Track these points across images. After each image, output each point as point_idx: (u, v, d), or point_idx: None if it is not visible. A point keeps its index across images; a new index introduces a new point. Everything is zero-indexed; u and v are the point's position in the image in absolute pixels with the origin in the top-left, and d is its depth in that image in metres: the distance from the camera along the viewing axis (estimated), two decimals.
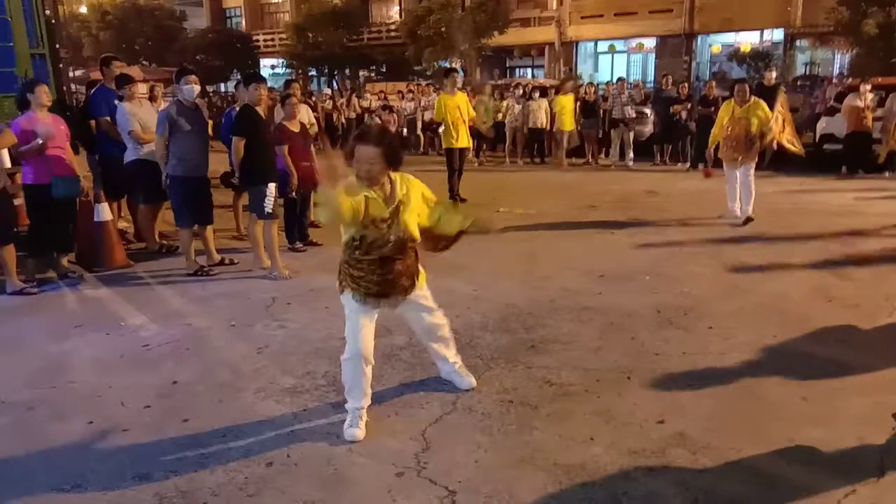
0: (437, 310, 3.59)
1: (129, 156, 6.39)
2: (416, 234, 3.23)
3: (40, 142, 5.58)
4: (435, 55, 24.69)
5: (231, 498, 2.81)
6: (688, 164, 12.62)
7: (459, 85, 9.75)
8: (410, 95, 17.42)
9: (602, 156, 14.05)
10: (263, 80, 6.21)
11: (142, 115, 6.31)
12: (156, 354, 4.36)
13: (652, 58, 28.91)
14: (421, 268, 3.43)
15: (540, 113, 13.86)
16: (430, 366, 4.03)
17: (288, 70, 31.35)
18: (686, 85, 13.62)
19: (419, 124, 16.34)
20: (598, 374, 3.87)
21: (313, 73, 32.39)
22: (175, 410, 3.58)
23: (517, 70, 32.83)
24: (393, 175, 3.16)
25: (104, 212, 6.30)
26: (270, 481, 2.93)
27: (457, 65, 21.99)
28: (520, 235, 7.45)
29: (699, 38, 27.71)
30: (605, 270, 5.96)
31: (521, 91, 14.85)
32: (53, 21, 7.33)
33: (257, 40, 34.78)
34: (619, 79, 14.99)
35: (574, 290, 5.44)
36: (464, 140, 9.33)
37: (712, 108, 11.15)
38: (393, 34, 29.55)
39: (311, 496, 2.81)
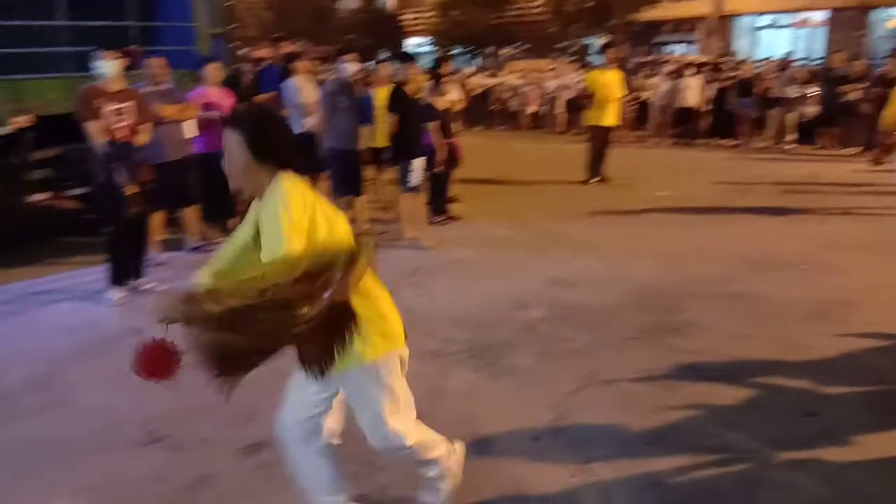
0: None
1: (293, 129, 6.90)
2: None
3: (218, 114, 6.16)
4: (581, 31, 24.16)
5: None
6: (859, 149, 11.57)
7: (615, 61, 9.52)
8: (553, 73, 17.22)
9: (758, 137, 13.21)
10: (413, 59, 6.47)
11: (307, 91, 6.79)
12: None
13: (817, 33, 26.54)
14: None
15: (692, 91, 13.24)
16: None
17: (433, 48, 31.94)
18: (861, 62, 12.43)
19: (560, 103, 16.14)
20: (744, 362, 3.77)
21: (457, 50, 32.78)
22: None
23: (665, 46, 31.37)
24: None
25: None
26: None
27: (605, 41, 21.37)
28: (663, 218, 7.26)
29: (874, 12, 25.05)
30: (755, 258, 5.70)
31: (671, 68, 14.26)
32: (228, 3, 8.03)
33: (404, 19, 35.69)
34: (785, 55, 13.95)
35: (720, 276, 5.26)
36: (611, 118, 9.14)
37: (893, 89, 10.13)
38: (537, 11, 29.22)
39: None
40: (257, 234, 2.06)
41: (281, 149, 2.08)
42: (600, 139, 9.12)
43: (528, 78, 17.55)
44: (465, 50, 31.74)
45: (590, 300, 4.76)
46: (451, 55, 13.16)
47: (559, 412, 3.27)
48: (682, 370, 3.68)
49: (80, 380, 3.74)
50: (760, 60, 17.75)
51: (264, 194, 2.05)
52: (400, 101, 6.04)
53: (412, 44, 35.80)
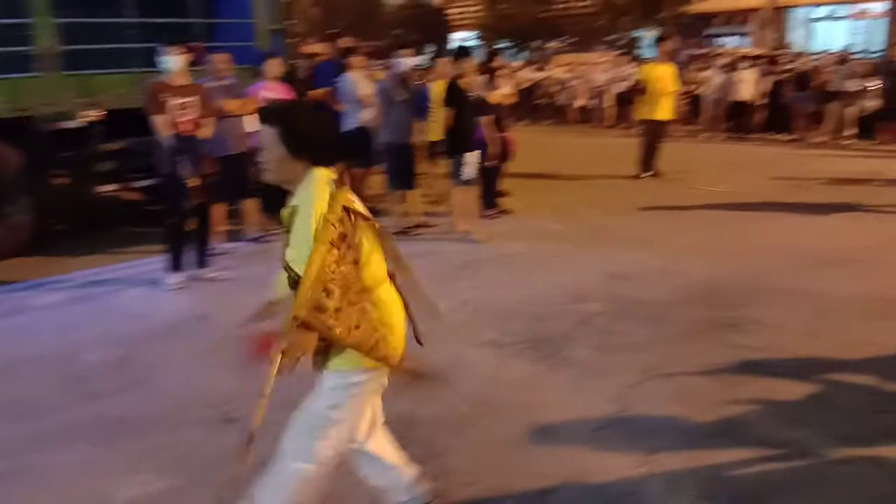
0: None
1: (348, 123, 7.02)
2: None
3: None
4: (631, 23, 23.86)
5: (445, 432, 3.12)
6: None
7: (669, 54, 9.40)
8: (603, 66, 17.06)
9: (815, 132, 12.87)
10: (470, 54, 6.52)
11: (362, 85, 6.89)
12: None
13: (877, 25, 25.63)
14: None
15: (746, 85, 12.97)
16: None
17: (480, 43, 31.92)
18: None
19: (609, 96, 15.98)
20: (807, 359, 3.72)
21: (503, 45, 32.70)
22: None
23: (717, 38, 30.70)
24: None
25: None
26: (477, 422, 3.20)
27: (654, 34, 21.05)
28: (717, 213, 7.16)
29: None
30: (812, 254, 5.59)
31: (724, 61, 13.98)
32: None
33: (450, 14, 35.72)
34: (844, 47, 13.55)
35: (777, 272, 5.18)
36: (665, 112, 9.02)
37: None
38: (584, 4, 28.95)
39: (511, 436, 3.05)
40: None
41: (315, 143, 2.08)
42: (654, 133, 9.01)
43: (575, 72, 17.41)
44: (512, 44, 31.63)
45: (646, 295, 4.75)
46: (499, 49, 13.08)
47: (621, 404, 3.29)
48: (744, 366, 3.65)
49: (154, 362, 3.91)
50: (818, 53, 17.26)
51: (298, 188, 2.08)
52: (456, 95, 6.09)
53: (458, 38, 35.83)
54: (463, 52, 6.40)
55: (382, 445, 2.40)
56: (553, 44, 30.26)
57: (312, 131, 2.10)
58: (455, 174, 6.32)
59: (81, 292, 5.07)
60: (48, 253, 6.06)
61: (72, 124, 6.15)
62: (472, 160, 6.23)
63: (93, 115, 6.20)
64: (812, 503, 2.59)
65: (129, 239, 6.45)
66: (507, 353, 3.92)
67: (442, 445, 3.00)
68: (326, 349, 2.05)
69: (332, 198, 2.02)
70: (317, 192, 2.02)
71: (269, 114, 2.14)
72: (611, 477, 2.73)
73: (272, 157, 2.09)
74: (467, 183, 6.31)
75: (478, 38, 32.90)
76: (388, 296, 2.19)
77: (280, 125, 2.07)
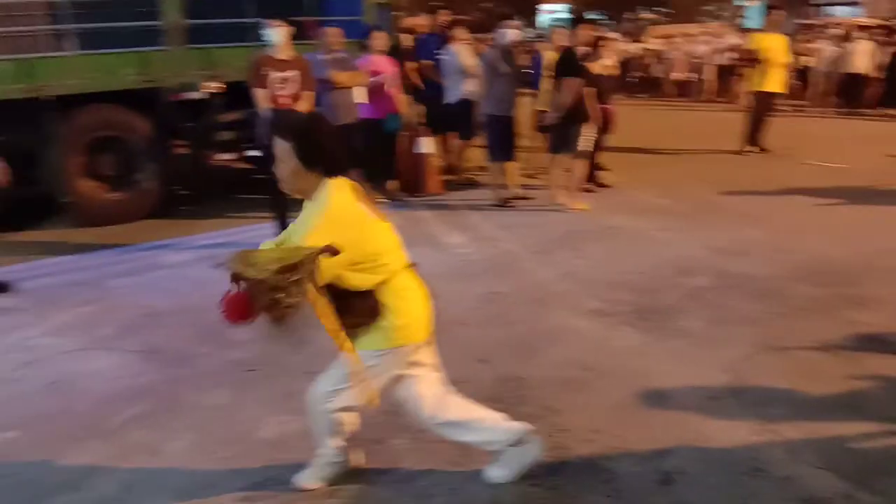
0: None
1: (451, 95, 7.14)
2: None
3: (381, 81, 6.50)
4: None
5: (558, 392, 3.22)
6: None
7: (777, 24, 8.98)
8: (702, 38, 16.43)
9: None
10: (584, 22, 6.49)
11: (465, 58, 6.98)
12: (476, 268, 4.99)
13: None
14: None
15: (860, 57, 12.22)
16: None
17: (571, 16, 31.24)
18: None
19: (709, 69, 15.40)
20: None
21: (593, 16, 31.86)
22: (500, 314, 4.14)
23: (826, 7, 28.82)
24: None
25: (425, 145, 7.16)
26: (588, 384, 3.29)
27: (760, 3, 20.05)
28: (828, 190, 6.85)
29: None
30: None
31: (837, 32, 13.20)
32: None
33: None
34: None
35: None
36: (776, 84, 8.63)
37: None
38: None
39: (623, 400, 3.12)
40: None
41: (328, 156, 2.19)
42: (762, 106, 8.64)
43: (672, 43, 16.86)
44: (605, 16, 30.80)
45: (756, 270, 4.66)
46: (596, 20, 12.86)
47: (735, 375, 3.29)
48: (864, 342, 3.57)
49: None
50: None
51: (313, 197, 2.21)
52: (573, 64, 6.06)
53: (548, 10, 35.16)
54: (580, 20, 6.35)
55: (461, 408, 2.52)
56: (648, 15, 29.29)
57: (324, 144, 2.21)
58: (563, 146, 6.30)
59: (207, 252, 5.43)
60: (172, 216, 6.52)
61: (194, 96, 6.55)
62: (584, 132, 6.20)
63: (213, 86, 6.57)
64: None
65: (242, 205, 6.82)
66: (614, 322, 3.96)
67: (554, 405, 3.11)
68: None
69: (349, 200, 2.19)
70: (330, 196, 2.17)
71: (282, 129, 2.25)
72: (728, 443, 2.76)
73: (287, 170, 2.21)
74: (576, 155, 6.29)
75: (568, 10, 32.18)
76: (404, 284, 2.32)
77: (293, 140, 2.18)
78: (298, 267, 2.03)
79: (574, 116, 6.12)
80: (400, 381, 2.44)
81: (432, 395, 2.49)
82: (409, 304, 2.32)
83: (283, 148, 2.19)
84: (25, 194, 5.99)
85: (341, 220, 2.15)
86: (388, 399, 2.49)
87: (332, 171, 2.21)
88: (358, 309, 2.25)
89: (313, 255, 2.05)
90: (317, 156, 2.18)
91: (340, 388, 2.38)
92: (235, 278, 2.12)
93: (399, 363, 2.38)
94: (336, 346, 2.30)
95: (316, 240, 2.08)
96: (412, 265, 2.40)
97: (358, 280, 2.23)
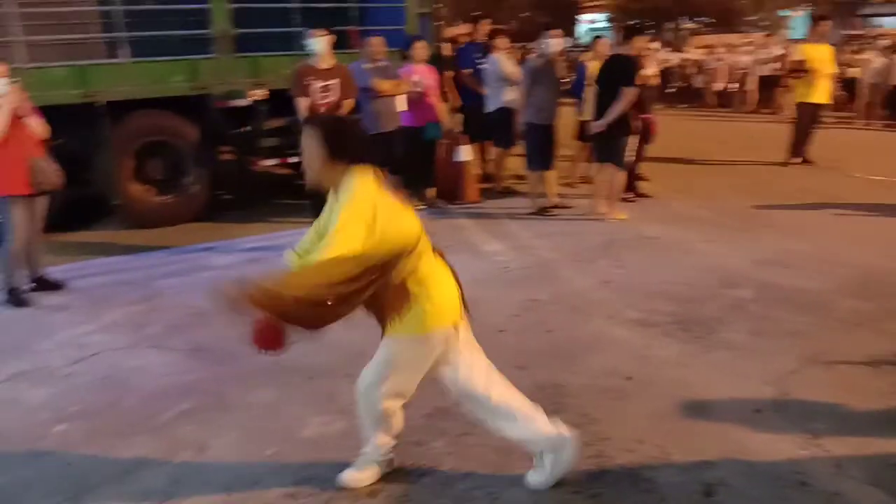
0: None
1: (491, 104, 7.18)
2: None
3: (419, 89, 6.58)
4: (777, 3, 22.42)
5: (598, 401, 3.22)
6: None
7: (823, 35, 8.83)
8: (745, 48, 16.21)
9: None
10: (640, 33, 6.51)
11: (507, 67, 7.02)
12: (514, 276, 5.00)
13: None
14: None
15: None
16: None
17: (609, 25, 31.10)
18: None
19: (752, 79, 15.17)
20: None
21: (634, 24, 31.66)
22: (539, 322, 4.14)
23: (874, 18, 28.16)
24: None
25: (464, 153, 7.20)
26: (628, 394, 3.28)
27: (804, 13, 19.74)
28: (875, 204, 6.70)
29: None
30: None
31: (886, 43, 12.91)
32: None
33: None
34: None
35: None
36: (822, 95, 8.48)
37: None
38: None
39: (664, 410, 3.10)
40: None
41: (353, 146, 2.26)
42: (808, 117, 8.49)
43: (714, 53, 16.67)
44: (645, 25, 30.59)
45: (802, 283, 4.59)
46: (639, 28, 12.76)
47: (781, 388, 3.24)
48: None
49: None
50: None
51: (340, 188, 2.26)
52: (628, 73, 5.98)
53: (588, 20, 35.10)
54: (634, 30, 6.37)
55: (506, 387, 2.54)
56: (689, 24, 29.01)
57: (350, 135, 2.29)
58: (609, 156, 6.26)
59: (253, 255, 5.56)
60: (218, 220, 6.67)
61: (241, 103, 6.71)
62: (629, 142, 6.19)
63: (259, 94, 6.72)
64: None
65: (285, 210, 6.95)
66: (655, 333, 3.94)
67: (594, 414, 3.10)
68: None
69: (373, 189, 2.23)
70: (358, 186, 2.21)
71: (310, 120, 2.35)
72: (772, 456, 2.73)
73: (313, 159, 2.28)
74: (620, 165, 6.26)
75: (608, 19, 32.05)
76: (433, 268, 2.35)
77: (320, 129, 2.27)
78: (371, 272, 2.18)
79: (621, 127, 6.10)
80: (444, 364, 2.45)
81: (479, 368, 2.49)
82: (440, 288, 2.35)
83: (310, 137, 2.27)
84: (78, 196, 6.21)
85: (370, 207, 2.18)
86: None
87: (356, 161, 2.26)
88: (390, 296, 2.29)
89: (393, 259, 2.19)
90: (342, 146, 2.25)
91: (386, 373, 2.42)
92: (257, 306, 2.17)
93: (438, 347, 2.39)
94: (379, 335, 2.37)
95: (351, 230, 2.13)
96: (438, 250, 2.43)
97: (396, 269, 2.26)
